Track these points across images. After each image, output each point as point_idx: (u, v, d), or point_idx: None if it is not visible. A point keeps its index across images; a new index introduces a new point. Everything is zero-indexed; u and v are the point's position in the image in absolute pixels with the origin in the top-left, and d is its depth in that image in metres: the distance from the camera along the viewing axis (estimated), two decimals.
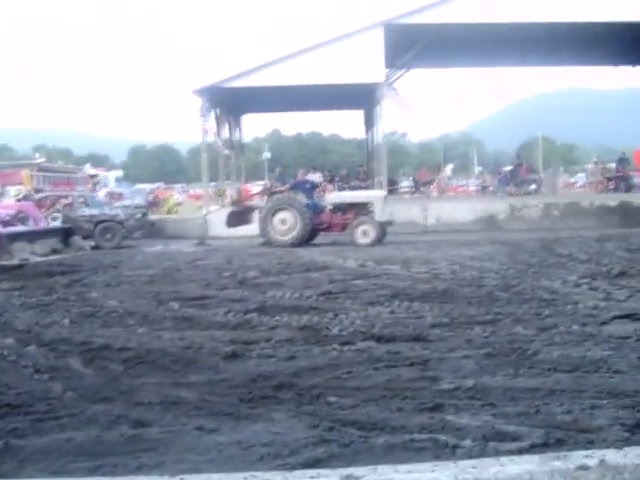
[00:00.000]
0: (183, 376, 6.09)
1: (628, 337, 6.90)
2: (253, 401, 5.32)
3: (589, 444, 4.16)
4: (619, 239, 17.18)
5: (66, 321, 8.77)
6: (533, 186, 32.03)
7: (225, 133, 30.37)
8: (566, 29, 25.18)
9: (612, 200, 25.26)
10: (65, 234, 15.56)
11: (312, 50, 24.96)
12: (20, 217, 15.85)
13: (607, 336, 6.99)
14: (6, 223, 15.08)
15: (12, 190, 28.84)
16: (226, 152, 31.50)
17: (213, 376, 6.06)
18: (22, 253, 14.19)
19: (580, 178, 56.13)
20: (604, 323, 7.64)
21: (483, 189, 35.97)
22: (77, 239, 15.52)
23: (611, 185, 32.67)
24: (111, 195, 37.61)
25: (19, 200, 24.19)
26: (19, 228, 15.25)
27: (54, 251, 14.92)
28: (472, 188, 45.05)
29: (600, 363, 5.98)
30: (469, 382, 5.53)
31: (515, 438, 4.28)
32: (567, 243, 16.53)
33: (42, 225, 16.02)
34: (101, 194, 35.79)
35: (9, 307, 10.10)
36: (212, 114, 27.55)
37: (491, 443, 4.18)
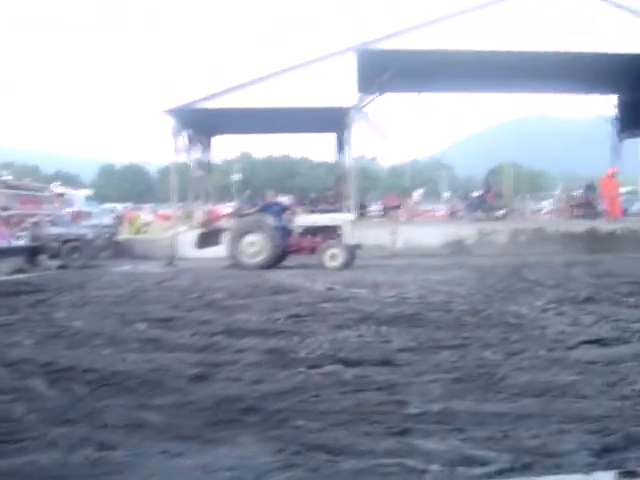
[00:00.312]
0: (148, 398, 6.01)
1: (595, 362, 6.93)
2: (219, 424, 5.25)
3: (556, 469, 4.16)
4: (586, 265, 17.35)
5: (30, 341, 8.64)
6: (501, 212, 32.28)
7: (196, 154, 30.29)
8: (536, 57, 25.55)
9: (578, 227, 25.51)
10: (31, 253, 15.35)
11: (284, 73, 25.06)
12: None
13: (574, 361, 7.02)
14: None
15: None
16: (199, 173, 31.45)
17: (179, 399, 5.98)
18: None
19: (547, 205, 56.62)
20: (571, 348, 7.66)
21: (452, 214, 36.19)
22: (43, 258, 15.34)
23: (578, 212, 33.01)
24: (77, 214, 37.24)
25: None
26: None
27: (19, 270, 14.71)
28: (440, 213, 45.31)
29: (567, 388, 5.99)
30: (437, 406, 5.51)
31: (483, 463, 4.28)
32: (534, 268, 16.65)
33: (7, 243, 15.82)
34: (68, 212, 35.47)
35: None
36: (184, 134, 27.47)
37: (459, 468, 4.17)
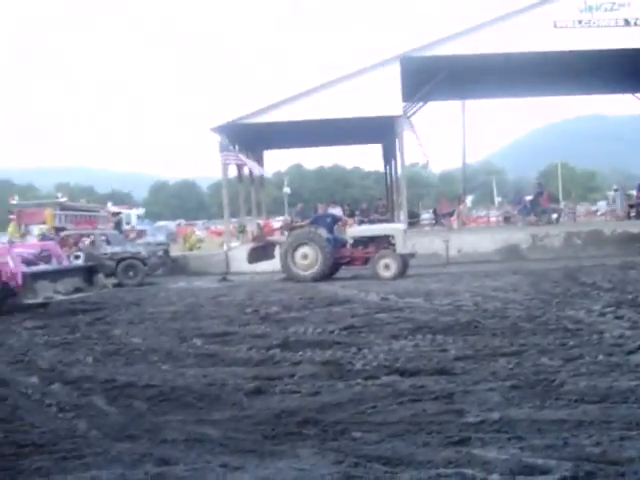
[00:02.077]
0: (207, 413, 6.08)
1: None
2: (277, 437, 5.29)
3: (620, 477, 4.10)
4: None
5: (90, 359, 8.80)
6: (554, 215, 31.86)
7: (246, 169, 30.53)
8: (582, 57, 25.24)
9: (634, 227, 25.05)
10: (88, 272, 15.52)
11: (329, 85, 25.14)
12: (43, 256, 15.90)
13: (634, 365, 6.90)
14: (29, 262, 15.14)
15: (36, 229, 29.04)
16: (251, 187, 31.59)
17: (237, 413, 6.04)
18: (46, 292, 14.20)
19: (601, 206, 55.80)
20: (631, 352, 7.54)
21: (505, 219, 35.73)
22: (100, 277, 15.49)
23: (633, 212, 32.40)
24: (129, 232, 37.77)
25: (40, 239, 24.36)
26: (42, 267, 15.28)
27: (77, 290, 14.86)
28: (493, 219, 44.89)
29: (628, 393, 5.90)
30: (495, 415, 5.47)
31: (543, 471, 4.23)
32: (590, 272, 16.40)
33: (65, 264, 16.04)
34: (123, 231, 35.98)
35: (33, 346, 10.16)
36: (234, 150, 27.67)
37: (519, 477, 4.14)
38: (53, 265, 15.55)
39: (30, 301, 14.00)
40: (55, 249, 16.08)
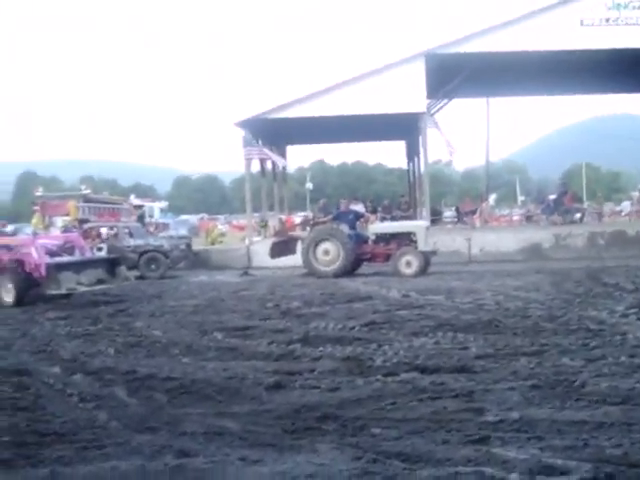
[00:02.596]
0: (227, 406, 6.11)
1: None
2: (296, 432, 5.30)
3: None
4: None
5: (111, 350, 8.87)
6: (578, 215, 31.65)
7: (269, 164, 30.56)
8: (607, 55, 25.02)
9: None
10: (111, 264, 15.58)
11: (354, 82, 25.06)
12: (67, 247, 16.00)
13: None
14: (53, 253, 15.25)
15: (59, 221, 29.25)
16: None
17: (256, 407, 6.06)
18: (69, 283, 14.28)
19: (625, 206, 55.36)
20: None
21: (528, 218, 35.53)
22: (123, 269, 15.55)
23: None
24: (154, 225, 37.95)
25: (63, 231, 24.52)
26: (65, 258, 15.37)
27: (100, 281, 14.92)
28: (516, 217, 44.65)
29: None
30: (515, 414, 5.45)
31: (563, 472, 4.21)
32: (614, 272, 16.27)
33: (88, 255, 16.12)
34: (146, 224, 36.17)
35: (55, 336, 10.24)
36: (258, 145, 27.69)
37: (538, 477, 4.12)
38: (76, 256, 15.64)
39: (53, 292, 14.14)
40: (78, 241, 16.18)
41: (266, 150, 27.02)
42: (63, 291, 14.15)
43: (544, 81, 30.82)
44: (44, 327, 11.25)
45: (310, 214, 35.46)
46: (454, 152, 26.36)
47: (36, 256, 14.27)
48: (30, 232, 19.37)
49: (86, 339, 9.92)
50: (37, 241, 15.13)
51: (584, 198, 49.51)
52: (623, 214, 48.14)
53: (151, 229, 34.21)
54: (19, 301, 14.30)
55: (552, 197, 33.67)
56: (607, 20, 24.06)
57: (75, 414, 5.99)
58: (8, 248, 15.02)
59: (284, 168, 35.44)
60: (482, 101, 36.40)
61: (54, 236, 18.37)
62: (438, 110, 32.13)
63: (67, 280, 14.24)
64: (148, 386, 6.88)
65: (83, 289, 14.56)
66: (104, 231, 23.51)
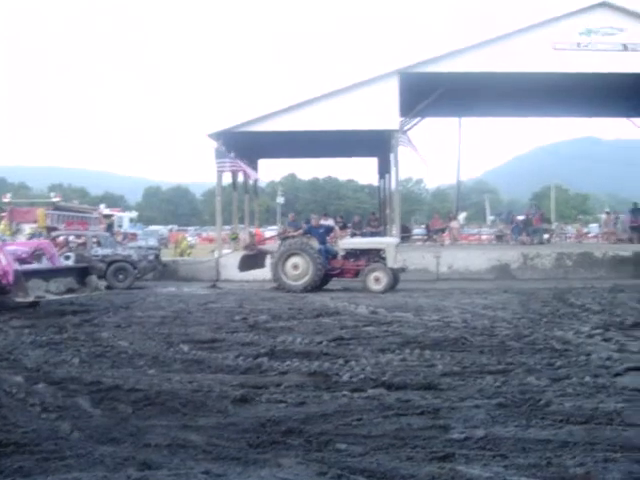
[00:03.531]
0: (192, 419, 6.06)
1: None
2: (261, 446, 5.28)
3: None
4: (632, 290, 17.07)
5: (76, 360, 8.77)
6: (546, 235, 31.94)
7: (240, 177, 30.52)
8: (579, 80, 25.39)
9: (625, 250, 25.13)
10: (82, 273, 15.35)
11: (327, 97, 25.14)
12: (37, 255, 15.78)
13: (620, 388, 6.92)
14: (22, 260, 15.03)
15: (27, 228, 29.01)
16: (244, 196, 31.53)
17: (222, 420, 6.02)
18: (37, 291, 13.98)
19: (593, 228, 56.07)
20: (617, 375, 7.56)
21: (499, 238, 35.67)
22: (93, 279, 15.28)
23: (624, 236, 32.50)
24: (122, 235, 37.74)
25: (30, 238, 24.28)
26: (34, 266, 15.19)
27: (70, 290, 14.66)
28: (485, 237, 44.98)
29: (613, 415, 5.90)
30: (480, 432, 5.47)
31: None
32: (580, 293, 16.44)
33: (58, 263, 15.90)
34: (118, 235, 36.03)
35: (19, 344, 10.11)
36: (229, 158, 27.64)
37: None
38: (45, 264, 15.43)
39: (21, 300, 13.84)
40: (49, 248, 15.88)
41: (239, 162, 26.98)
42: (31, 299, 13.85)
43: (516, 103, 31.18)
44: (8, 335, 11.10)
45: (281, 228, 35.40)
46: (427, 164, 26.53)
47: (4, 262, 14.05)
48: None
49: (51, 348, 9.80)
50: (5, 247, 14.85)
51: (552, 219, 49.97)
52: (590, 236, 48.76)
53: (120, 239, 34.03)
54: None
55: (521, 217, 34.00)
56: (578, 45, 24.42)
57: (37, 424, 5.91)
58: None
59: (256, 181, 35.43)
60: (454, 120, 36.69)
61: (25, 243, 18.13)
62: (410, 128, 32.34)
63: (35, 288, 13.95)
64: (113, 397, 6.81)
65: (51, 297, 14.29)
66: (71, 239, 23.27)
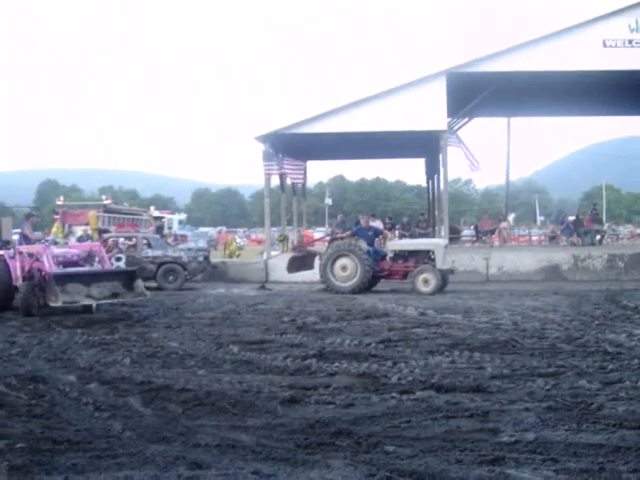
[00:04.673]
0: (241, 419, 6.11)
1: None
2: (310, 447, 5.29)
3: None
4: None
5: (127, 360, 8.88)
6: (598, 236, 31.47)
7: (288, 180, 30.61)
8: (629, 77, 24.95)
9: None
10: (129, 277, 14.68)
11: (375, 99, 25.12)
12: (89, 257, 15.54)
13: None
14: (74, 263, 14.95)
15: (79, 231, 29.49)
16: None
17: (271, 420, 6.05)
18: (77, 295, 13.51)
19: None
20: None
21: (552, 239, 35.03)
22: (140, 283, 14.59)
23: None
24: (172, 237, 38.10)
25: (78, 240, 24.59)
26: (73, 269, 14.64)
27: (114, 294, 14.00)
28: (535, 238, 44.48)
29: None
30: (530, 435, 5.42)
31: None
32: (632, 295, 16.16)
33: (107, 267, 15.65)
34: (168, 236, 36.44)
35: (72, 344, 10.28)
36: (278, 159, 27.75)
37: None
38: (87, 268, 14.96)
39: (52, 304, 13.33)
40: (100, 251, 15.80)
41: (286, 164, 27.06)
42: (58, 304, 13.17)
43: (565, 101, 30.77)
44: (61, 335, 11.30)
45: (330, 229, 35.47)
46: (478, 168, 26.18)
47: (47, 265, 14.09)
48: (50, 240, 19.31)
49: (103, 348, 9.95)
50: (49, 250, 14.85)
51: (604, 219, 49.22)
52: None
53: (171, 240, 34.41)
54: (27, 311, 13.80)
55: (572, 218, 33.52)
56: (630, 42, 24.01)
57: (89, 423, 6.02)
58: (31, 256, 14.80)
59: (303, 185, 35.55)
60: (503, 120, 36.35)
61: (77, 245, 18.26)
62: (459, 128, 32.12)
63: (75, 292, 13.56)
64: (163, 397, 6.89)
65: (87, 302, 13.81)
66: (122, 241, 23.57)
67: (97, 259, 15.37)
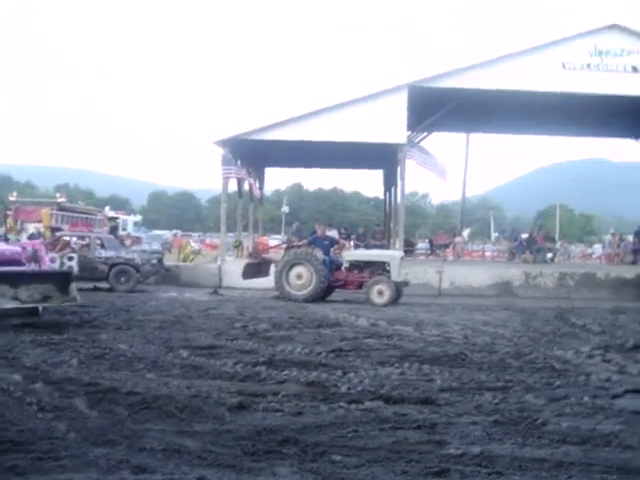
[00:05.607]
0: (188, 424, 6.05)
1: None
2: (257, 454, 5.27)
3: None
4: (634, 312, 17.03)
5: (74, 361, 8.76)
6: (550, 254, 31.90)
7: (246, 185, 30.53)
8: (587, 100, 25.41)
9: (628, 272, 25.09)
10: (63, 280, 13.32)
11: (336, 109, 25.17)
12: (34, 256, 14.64)
13: (619, 410, 6.90)
14: (15, 262, 13.91)
15: (31, 228, 29.08)
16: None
17: (218, 426, 6.01)
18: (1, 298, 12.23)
19: (597, 249, 56.05)
20: (616, 396, 7.53)
21: (512, 255, 35.18)
22: (74, 287, 13.20)
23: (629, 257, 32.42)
24: (125, 238, 37.73)
25: (29, 238, 24.22)
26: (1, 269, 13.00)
27: (45, 298, 12.72)
28: (488, 253, 44.93)
29: (611, 437, 5.89)
30: (476, 449, 5.46)
31: None
32: (581, 313, 16.39)
33: (46, 267, 14.40)
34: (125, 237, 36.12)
35: (19, 343, 10.11)
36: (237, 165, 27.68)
37: None
38: (15, 268, 13.46)
39: None
40: (40, 250, 14.70)
41: (244, 173, 27.02)
42: None
43: (525, 121, 31.20)
44: (7, 334, 11.09)
45: (285, 237, 35.45)
46: (445, 175, 26.19)
47: None
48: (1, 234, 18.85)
49: (50, 348, 9.79)
50: None
51: (556, 238, 49.95)
52: (594, 257, 48.72)
53: (127, 242, 34.07)
54: None
55: (524, 235, 33.95)
56: (589, 65, 24.45)
57: (33, 423, 5.91)
58: None
59: (261, 197, 35.56)
60: (462, 136, 36.70)
61: (21, 243, 17.77)
62: (418, 142, 32.35)
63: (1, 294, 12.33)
64: (109, 399, 6.81)
65: (15, 306, 12.45)
66: (74, 240, 23.26)
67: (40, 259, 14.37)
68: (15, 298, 12.44)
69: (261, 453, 5.29)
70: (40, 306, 13.04)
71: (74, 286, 13.32)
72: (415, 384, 7.93)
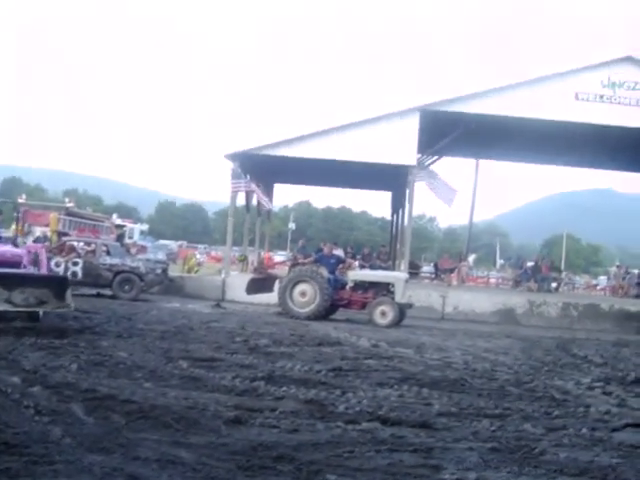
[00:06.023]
0: (184, 436, 6.03)
1: (639, 446, 6.75)
2: (251, 469, 5.24)
3: None
4: (637, 345, 16.96)
5: (74, 366, 8.76)
6: (554, 284, 31.84)
7: (254, 200, 30.60)
8: (600, 131, 25.44)
9: (632, 305, 25.02)
10: (59, 285, 13.08)
11: (348, 128, 25.30)
12: (34, 260, 14.44)
13: (617, 443, 6.84)
14: (15, 265, 13.30)
15: (38, 231, 29.14)
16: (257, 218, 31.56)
17: (214, 439, 5.99)
18: None
19: (602, 281, 55.93)
20: (615, 429, 7.48)
21: (517, 283, 35.15)
22: (69, 293, 12.89)
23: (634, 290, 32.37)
24: (130, 246, 37.77)
25: (34, 241, 24.25)
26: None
27: (40, 303, 12.45)
28: (493, 280, 44.84)
29: (608, 470, 5.84)
30: (472, 475, 5.42)
31: None
32: (584, 344, 16.34)
33: (42, 271, 14.28)
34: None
35: (19, 346, 10.11)
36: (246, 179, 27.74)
37: None
38: (11, 270, 13.18)
39: None
40: (40, 253, 14.44)
41: (254, 186, 27.09)
42: None
43: (535, 149, 31.28)
44: (8, 336, 11.08)
45: (291, 254, 35.47)
46: (453, 198, 26.05)
47: None
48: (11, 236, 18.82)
49: (50, 352, 9.79)
50: None
51: (562, 268, 49.88)
52: (599, 288, 48.58)
53: (133, 250, 34.10)
54: None
55: (530, 264, 33.90)
56: (601, 97, 24.53)
57: (29, 427, 5.90)
58: None
59: (269, 210, 35.60)
60: (471, 162, 36.76)
61: (27, 246, 17.73)
62: (428, 166, 32.41)
63: None
64: (106, 406, 6.79)
65: (7, 309, 12.18)
66: (80, 246, 23.29)
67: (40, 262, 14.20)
68: (9, 301, 12.16)
69: (255, 468, 5.27)
70: (40, 310, 12.93)
71: (69, 292, 13.04)
72: (413, 407, 7.89)
